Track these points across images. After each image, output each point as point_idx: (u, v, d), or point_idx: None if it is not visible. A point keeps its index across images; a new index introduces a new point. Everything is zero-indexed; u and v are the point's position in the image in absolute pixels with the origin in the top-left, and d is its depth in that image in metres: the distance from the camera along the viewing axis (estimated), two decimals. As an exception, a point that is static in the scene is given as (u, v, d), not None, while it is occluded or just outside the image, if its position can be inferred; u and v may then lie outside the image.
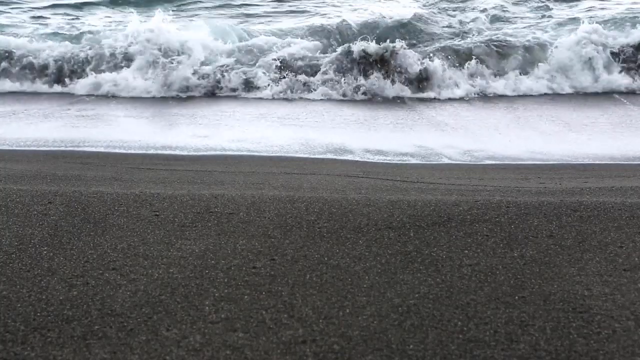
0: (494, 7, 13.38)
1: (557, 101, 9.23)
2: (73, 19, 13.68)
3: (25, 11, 14.42)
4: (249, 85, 9.79)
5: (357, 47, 10.25)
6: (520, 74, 9.91)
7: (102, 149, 6.76)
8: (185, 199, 3.85)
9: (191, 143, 7.07)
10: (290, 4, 14.75)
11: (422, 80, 9.74)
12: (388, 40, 10.46)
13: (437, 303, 2.55)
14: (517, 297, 2.60)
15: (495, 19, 12.68)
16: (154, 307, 2.51)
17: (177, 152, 6.67)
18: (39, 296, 2.59)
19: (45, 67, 10.39)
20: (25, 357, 2.18)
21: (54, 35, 11.77)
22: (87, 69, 10.19)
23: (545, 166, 6.07)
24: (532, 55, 10.35)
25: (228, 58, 10.36)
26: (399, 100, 9.36)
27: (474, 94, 9.47)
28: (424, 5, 13.96)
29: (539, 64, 10.06)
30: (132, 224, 3.43)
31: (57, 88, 10.00)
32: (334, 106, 9.00)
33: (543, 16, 13.03)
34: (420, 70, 9.81)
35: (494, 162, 6.31)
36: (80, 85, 9.88)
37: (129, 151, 6.70)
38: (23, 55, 10.57)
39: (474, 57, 10.19)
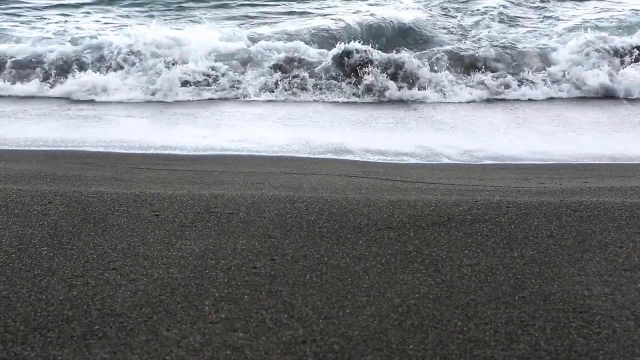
0: (494, 8, 13.33)
1: (557, 102, 9.23)
2: (69, 21, 13.58)
3: (22, 11, 14.33)
4: (242, 91, 9.69)
5: (358, 50, 10.21)
6: (527, 78, 9.78)
7: (102, 149, 6.76)
8: (185, 199, 3.85)
9: (191, 143, 7.07)
10: (289, 4, 14.70)
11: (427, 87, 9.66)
12: (395, 51, 10.35)
13: (437, 303, 2.55)
14: (517, 297, 2.60)
15: (499, 21, 12.62)
16: (154, 307, 2.51)
17: (177, 152, 6.67)
18: (39, 296, 2.59)
19: (45, 72, 10.29)
20: (25, 357, 2.18)
21: (50, 39, 11.68)
22: (84, 75, 10.05)
23: (545, 166, 6.07)
24: (539, 60, 10.27)
25: (223, 64, 10.25)
26: (399, 101, 9.36)
27: (481, 99, 9.36)
28: (426, 7, 13.92)
29: (547, 68, 9.94)
30: (132, 224, 3.43)
31: (53, 92, 9.84)
32: (334, 106, 8.99)
33: (546, 17, 13.02)
34: (428, 81, 9.67)
35: (494, 162, 6.30)
36: (67, 89, 9.70)
37: (129, 151, 6.70)
38: (21, 60, 10.51)
39: (482, 65, 10.05)
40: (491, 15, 12.86)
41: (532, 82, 9.63)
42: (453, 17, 13.20)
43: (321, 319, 2.42)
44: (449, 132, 7.64)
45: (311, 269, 2.87)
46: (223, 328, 2.36)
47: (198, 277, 2.78)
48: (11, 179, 4.58)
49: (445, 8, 13.91)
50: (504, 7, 13.43)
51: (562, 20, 12.67)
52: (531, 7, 13.69)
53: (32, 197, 3.89)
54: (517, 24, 12.46)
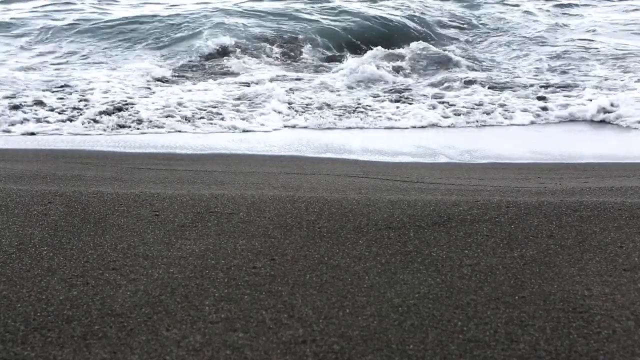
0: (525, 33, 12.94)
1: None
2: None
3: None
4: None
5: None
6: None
7: (102, 149, 6.76)
8: (185, 199, 3.85)
9: (191, 143, 7.07)
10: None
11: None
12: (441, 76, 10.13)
13: (437, 303, 2.55)
14: (517, 297, 2.60)
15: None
16: (154, 307, 2.51)
17: (177, 152, 6.67)
18: (39, 296, 2.59)
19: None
20: (25, 357, 2.18)
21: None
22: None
23: (545, 166, 6.07)
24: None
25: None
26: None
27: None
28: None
29: None
30: (132, 224, 3.43)
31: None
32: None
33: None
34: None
35: (494, 162, 6.30)
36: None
37: (129, 151, 6.70)
38: None
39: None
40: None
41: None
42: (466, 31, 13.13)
43: (321, 319, 2.42)
44: (449, 131, 7.65)
45: (311, 269, 2.87)
46: (223, 328, 2.36)
47: (198, 277, 2.78)
48: (11, 179, 4.58)
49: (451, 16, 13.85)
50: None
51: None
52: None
53: (32, 197, 3.89)
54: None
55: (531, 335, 2.31)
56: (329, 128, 7.82)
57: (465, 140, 7.20)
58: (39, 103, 8.45)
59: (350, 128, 7.81)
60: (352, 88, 9.59)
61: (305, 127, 7.84)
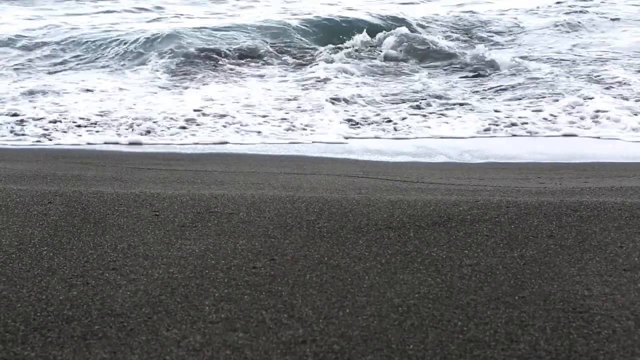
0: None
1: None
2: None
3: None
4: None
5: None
6: None
7: (102, 149, 6.76)
8: (185, 199, 3.85)
9: (191, 142, 7.07)
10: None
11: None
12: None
13: (437, 303, 2.55)
14: (517, 297, 2.60)
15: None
16: (154, 307, 2.51)
17: (177, 152, 6.67)
18: (39, 296, 2.60)
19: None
20: (25, 357, 2.18)
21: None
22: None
23: (545, 166, 6.07)
24: None
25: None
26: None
27: None
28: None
29: None
30: (132, 224, 3.43)
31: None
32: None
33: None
34: None
35: (494, 162, 6.30)
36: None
37: (129, 151, 6.70)
38: None
39: None
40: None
41: None
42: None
43: (321, 319, 2.42)
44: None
45: (311, 269, 2.87)
46: (223, 328, 2.36)
47: (198, 277, 2.78)
48: (11, 179, 4.58)
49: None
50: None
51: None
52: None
53: (32, 197, 3.89)
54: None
55: (531, 335, 2.31)
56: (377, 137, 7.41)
57: (465, 139, 7.20)
58: (16, 114, 7.86)
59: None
60: (369, 96, 9.00)
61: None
